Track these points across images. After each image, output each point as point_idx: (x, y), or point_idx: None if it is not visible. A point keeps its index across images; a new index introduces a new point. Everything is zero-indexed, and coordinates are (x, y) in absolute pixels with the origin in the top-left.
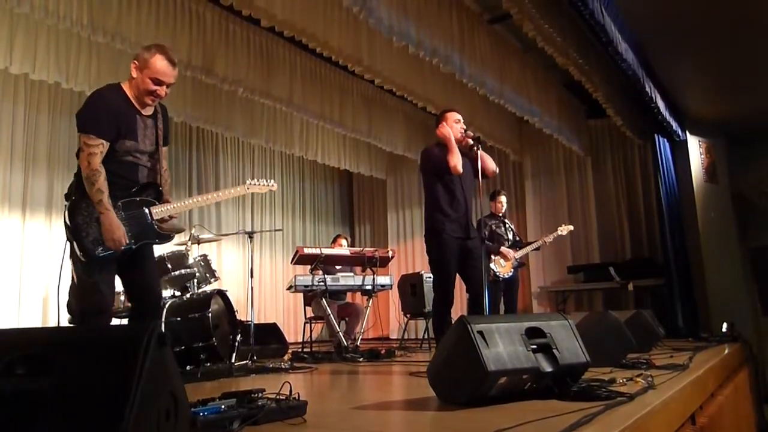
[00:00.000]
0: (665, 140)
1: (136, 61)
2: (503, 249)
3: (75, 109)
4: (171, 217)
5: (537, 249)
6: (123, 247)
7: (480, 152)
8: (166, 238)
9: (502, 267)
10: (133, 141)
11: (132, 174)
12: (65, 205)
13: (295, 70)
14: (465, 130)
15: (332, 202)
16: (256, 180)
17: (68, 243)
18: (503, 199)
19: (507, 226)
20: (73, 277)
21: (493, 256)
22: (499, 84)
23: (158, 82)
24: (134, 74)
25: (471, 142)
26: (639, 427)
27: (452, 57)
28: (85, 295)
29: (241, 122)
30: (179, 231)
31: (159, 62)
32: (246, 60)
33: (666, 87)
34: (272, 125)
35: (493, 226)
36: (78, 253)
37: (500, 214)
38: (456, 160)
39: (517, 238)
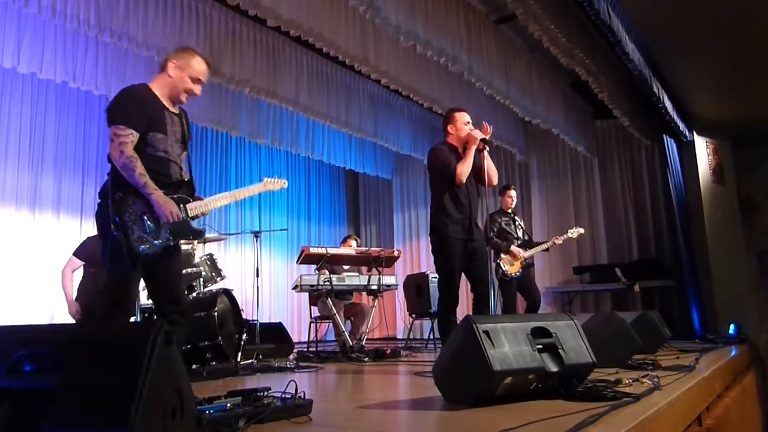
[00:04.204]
0: (672, 141)
1: (175, 61)
2: (513, 248)
3: (82, 108)
4: (203, 214)
5: (546, 250)
6: (163, 244)
7: (486, 156)
8: (198, 234)
9: (510, 266)
10: (162, 134)
11: (165, 169)
12: (111, 203)
13: (301, 69)
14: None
15: (338, 202)
16: (271, 177)
17: (108, 240)
18: (513, 193)
19: (517, 223)
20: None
21: (502, 255)
22: (505, 84)
23: (197, 81)
24: (173, 73)
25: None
26: (645, 428)
27: (460, 57)
28: (113, 293)
29: (247, 122)
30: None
31: (199, 63)
32: (252, 60)
33: (673, 88)
34: (278, 125)
35: (503, 224)
36: (124, 250)
37: (510, 210)
38: (465, 170)
39: (527, 237)
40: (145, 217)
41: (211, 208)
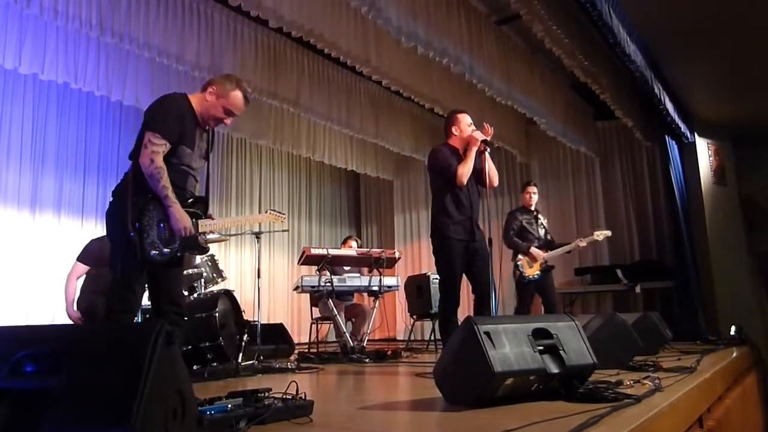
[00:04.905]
0: (674, 142)
1: (214, 87)
2: (533, 250)
3: (83, 109)
4: (212, 232)
5: (568, 252)
6: (171, 253)
7: (488, 157)
8: (204, 251)
9: (529, 268)
10: (190, 149)
11: (182, 182)
12: (132, 204)
13: (302, 70)
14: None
15: (339, 203)
16: (274, 210)
17: (121, 239)
18: (533, 189)
19: (539, 222)
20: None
21: (520, 256)
22: (506, 85)
23: (230, 114)
24: (209, 98)
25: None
26: (646, 429)
27: (462, 58)
28: (119, 293)
29: (248, 123)
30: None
31: (238, 99)
32: (253, 61)
33: (674, 89)
34: (279, 126)
35: (524, 222)
36: (137, 252)
37: (532, 208)
38: (466, 171)
39: (549, 237)
40: (162, 225)
41: (219, 229)
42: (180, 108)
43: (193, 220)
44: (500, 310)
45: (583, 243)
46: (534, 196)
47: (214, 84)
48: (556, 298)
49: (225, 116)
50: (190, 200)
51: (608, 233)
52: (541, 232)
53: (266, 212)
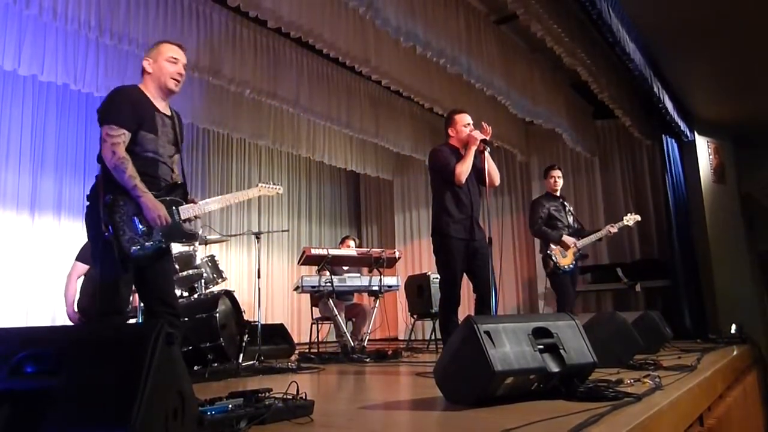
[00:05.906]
0: (673, 141)
1: (148, 58)
2: (565, 237)
3: (83, 110)
4: (196, 217)
5: (599, 240)
6: (154, 246)
7: (488, 157)
8: (192, 237)
9: (563, 258)
10: (153, 135)
11: (152, 170)
12: (103, 205)
13: (302, 71)
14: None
15: (339, 202)
16: (266, 183)
17: (99, 242)
18: (557, 173)
19: (567, 209)
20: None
21: (552, 245)
22: (505, 85)
23: (174, 60)
24: (150, 68)
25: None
26: (646, 428)
27: (459, 58)
28: (105, 295)
29: (248, 123)
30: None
31: (168, 46)
32: (253, 61)
33: (674, 88)
34: (279, 126)
35: (552, 209)
36: (115, 251)
37: (558, 194)
38: (464, 170)
39: (578, 225)
40: (136, 219)
41: (205, 212)
42: (129, 96)
43: (173, 207)
44: (501, 309)
45: (614, 229)
46: (559, 180)
47: (145, 58)
48: (575, 289)
49: (173, 70)
50: (163, 188)
51: (638, 218)
52: (570, 219)
53: (257, 186)
